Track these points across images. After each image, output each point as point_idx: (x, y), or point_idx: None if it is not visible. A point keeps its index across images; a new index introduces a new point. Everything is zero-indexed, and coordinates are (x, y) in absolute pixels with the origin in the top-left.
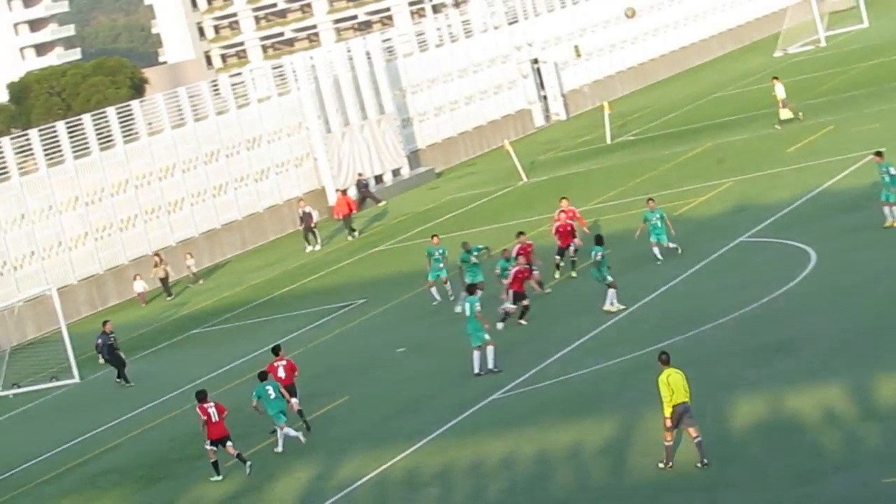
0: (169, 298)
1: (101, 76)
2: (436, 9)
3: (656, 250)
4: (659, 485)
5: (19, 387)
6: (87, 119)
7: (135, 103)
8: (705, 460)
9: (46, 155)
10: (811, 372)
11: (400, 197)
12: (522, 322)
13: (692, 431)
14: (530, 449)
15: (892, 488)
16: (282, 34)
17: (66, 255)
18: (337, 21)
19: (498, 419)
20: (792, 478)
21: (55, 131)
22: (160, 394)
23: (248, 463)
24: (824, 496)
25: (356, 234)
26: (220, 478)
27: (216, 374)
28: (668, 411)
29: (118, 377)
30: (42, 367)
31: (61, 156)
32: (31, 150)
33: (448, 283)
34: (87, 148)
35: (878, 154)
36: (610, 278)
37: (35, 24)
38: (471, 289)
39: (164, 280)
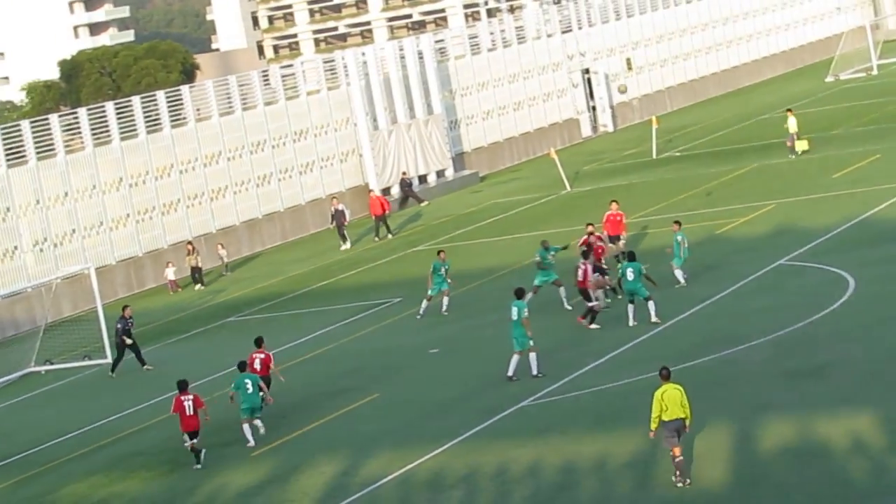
0: (197, 288)
1: (152, 59)
2: (490, 13)
3: (677, 274)
4: (683, 501)
5: (52, 363)
6: (136, 101)
7: (184, 88)
8: (679, 476)
9: (93, 134)
10: (842, 399)
11: (442, 198)
12: (591, 326)
13: (676, 451)
14: (556, 458)
15: None
16: (335, 29)
17: (107, 236)
18: (391, 19)
19: (526, 426)
20: None
21: (104, 111)
22: (190, 379)
23: (198, 466)
24: None
25: (391, 235)
26: (199, 466)
27: None
28: (653, 425)
29: (112, 370)
30: (75, 345)
31: (108, 136)
32: (78, 128)
33: (447, 296)
34: (134, 130)
35: None
36: (647, 292)
37: (90, 4)
38: (519, 293)
39: (194, 269)
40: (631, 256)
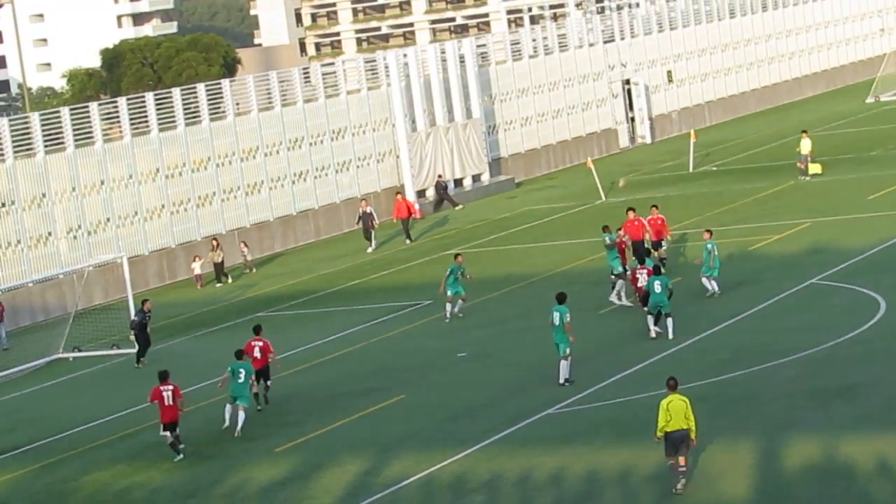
0: (218, 284)
1: (194, 52)
2: (534, 20)
3: (704, 282)
4: None
5: (80, 350)
6: (176, 93)
7: (225, 82)
8: (679, 488)
9: (132, 124)
10: (869, 420)
11: (477, 203)
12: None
13: (681, 460)
14: (580, 467)
15: None
16: (378, 29)
17: (141, 226)
18: (434, 21)
19: (551, 434)
20: None
21: (143, 101)
22: (218, 372)
23: (180, 457)
24: None
25: (410, 241)
26: (181, 457)
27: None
28: (659, 434)
29: (139, 359)
30: (104, 333)
31: (147, 126)
32: (117, 117)
33: (465, 301)
34: (173, 121)
35: None
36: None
37: None
38: (561, 297)
39: (218, 265)
40: (657, 269)
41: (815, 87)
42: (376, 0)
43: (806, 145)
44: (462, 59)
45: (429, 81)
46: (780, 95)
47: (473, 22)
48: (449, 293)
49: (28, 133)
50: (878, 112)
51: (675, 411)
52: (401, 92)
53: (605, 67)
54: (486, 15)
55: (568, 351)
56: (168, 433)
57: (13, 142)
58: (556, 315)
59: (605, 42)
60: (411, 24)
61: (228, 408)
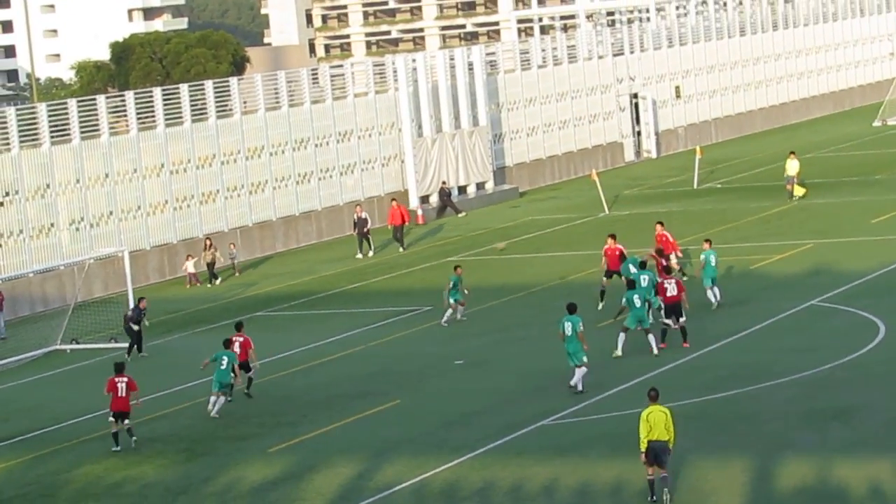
0: (209, 285)
1: (203, 49)
2: (544, 30)
3: (708, 294)
4: None
5: (78, 342)
6: (184, 88)
7: (233, 80)
8: (665, 496)
9: (139, 118)
10: (864, 443)
11: (481, 211)
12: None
13: (661, 470)
14: (573, 479)
15: None
16: (388, 33)
17: (144, 220)
18: (444, 28)
19: (545, 445)
20: None
21: (151, 96)
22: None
23: (134, 438)
24: None
25: (403, 248)
26: (118, 448)
27: (271, 360)
28: (642, 447)
29: (137, 352)
30: (103, 326)
31: (153, 121)
32: (124, 111)
33: (463, 306)
34: (179, 117)
35: None
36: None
37: None
38: (572, 308)
39: (210, 265)
40: (630, 284)
41: (822, 108)
42: (387, 4)
43: (793, 166)
44: (471, 67)
45: (436, 87)
46: (787, 115)
47: (483, 30)
48: (451, 300)
49: (35, 123)
50: (885, 136)
51: (656, 422)
52: (408, 97)
53: (613, 80)
54: (497, 23)
55: (585, 359)
56: (115, 420)
57: (19, 131)
58: (569, 325)
59: (615, 55)
60: (421, 30)
61: (213, 398)
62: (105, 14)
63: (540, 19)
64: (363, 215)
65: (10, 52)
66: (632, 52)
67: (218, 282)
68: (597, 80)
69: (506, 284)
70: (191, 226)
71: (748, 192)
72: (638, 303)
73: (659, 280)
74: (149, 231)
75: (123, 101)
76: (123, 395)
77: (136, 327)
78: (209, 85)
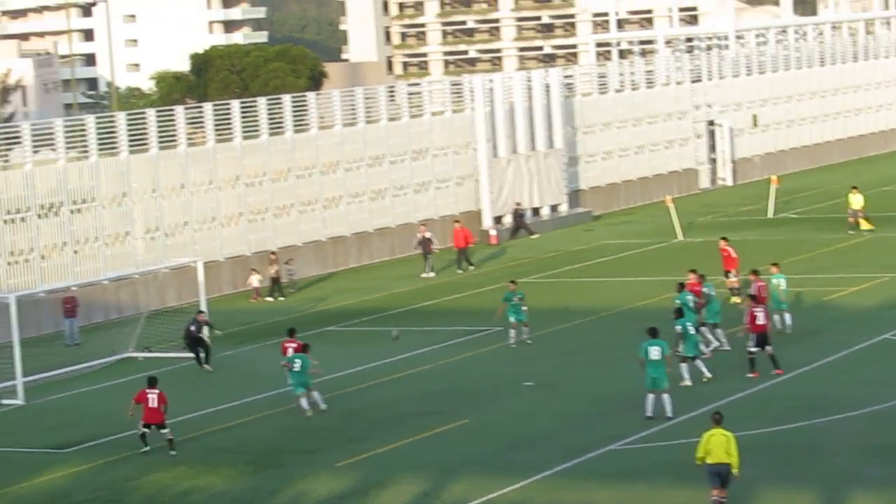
0: (269, 299)
1: (282, 62)
2: (622, 54)
3: (775, 318)
4: None
5: (150, 351)
6: (261, 102)
7: (311, 95)
8: None
9: (216, 130)
10: None
11: (554, 233)
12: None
13: (719, 492)
14: None
15: None
16: (466, 52)
17: (218, 232)
18: (522, 49)
19: (611, 470)
20: None
21: (229, 108)
22: (283, 383)
23: (173, 452)
24: None
25: (472, 268)
26: (147, 448)
27: (340, 375)
28: (698, 461)
29: (203, 361)
30: (174, 335)
31: (230, 133)
32: (202, 122)
33: (528, 327)
34: (256, 130)
35: None
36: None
37: (228, 1)
38: (654, 332)
39: (274, 280)
40: (679, 312)
41: None
42: (466, 24)
43: (857, 200)
44: (548, 89)
45: (513, 108)
46: (865, 147)
47: (561, 52)
48: (512, 319)
49: (113, 132)
50: None
51: (716, 445)
52: (484, 117)
53: (690, 107)
54: (575, 46)
55: (667, 385)
56: (147, 430)
57: (98, 139)
58: (656, 349)
59: (693, 81)
60: (499, 51)
61: (304, 400)
62: (186, 25)
63: (618, 43)
64: (427, 235)
65: (90, 60)
66: (710, 79)
67: (280, 297)
68: (674, 107)
69: (576, 308)
70: (264, 239)
71: (823, 223)
72: (692, 329)
73: (750, 308)
74: (223, 242)
75: (201, 112)
76: (155, 405)
77: (199, 336)
78: (287, 99)
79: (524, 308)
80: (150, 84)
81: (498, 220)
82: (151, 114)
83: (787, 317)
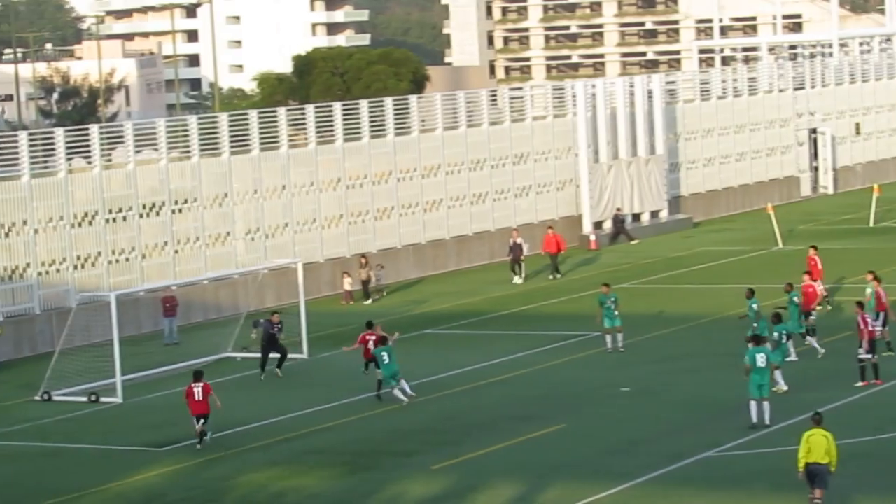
0: (366, 302)
1: (385, 65)
2: (725, 61)
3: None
4: None
5: (248, 351)
6: (363, 104)
7: (412, 98)
8: None
9: (318, 132)
10: None
11: (653, 239)
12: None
13: (817, 493)
14: None
15: None
16: (568, 58)
17: (318, 233)
18: (625, 55)
19: (708, 477)
20: None
21: (331, 110)
22: (372, 385)
23: (204, 440)
24: None
25: (559, 275)
26: (200, 446)
27: (437, 378)
28: (799, 466)
29: (278, 365)
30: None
31: (332, 135)
32: (304, 124)
33: (621, 333)
34: (357, 132)
35: None
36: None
37: (331, 4)
38: (759, 340)
39: (365, 283)
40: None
41: None
42: (569, 29)
43: None
44: (650, 95)
45: (615, 114)
46: None
47: (664, 58)
48: (606, 325)
49: (215, 132)
50: None
51: (816, 445)
52: (586, 122)
53: (792, 114)
54: (678, 52)
55: (769, 392)
56: (197, 421)
57: (200, 140)
58: (762, 356)
59: (795, 89)
60: (602, 56)
61: (398, 392)
62: (289, 27)
63: (721, 50)
64: (518, 240)
65: (194, 61)
66: (813, 87)
67: (369, 301)
68: (776, 114)
69: (674, 314)
70: (364, 241)
71: None
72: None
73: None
74: (323, 244)
75: (303, 114)
76: (200, 398)
77: (275, 338)
78: (389, 102)
79: (616, 313)
80: (252, 85)
81: (598, 225)
82: (253, 115)
83: (878, 325)
